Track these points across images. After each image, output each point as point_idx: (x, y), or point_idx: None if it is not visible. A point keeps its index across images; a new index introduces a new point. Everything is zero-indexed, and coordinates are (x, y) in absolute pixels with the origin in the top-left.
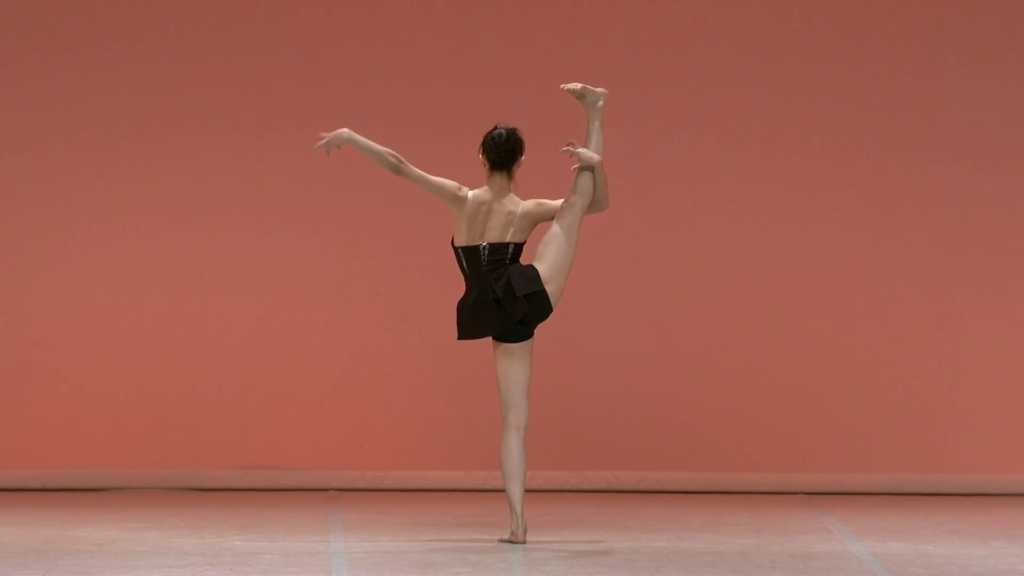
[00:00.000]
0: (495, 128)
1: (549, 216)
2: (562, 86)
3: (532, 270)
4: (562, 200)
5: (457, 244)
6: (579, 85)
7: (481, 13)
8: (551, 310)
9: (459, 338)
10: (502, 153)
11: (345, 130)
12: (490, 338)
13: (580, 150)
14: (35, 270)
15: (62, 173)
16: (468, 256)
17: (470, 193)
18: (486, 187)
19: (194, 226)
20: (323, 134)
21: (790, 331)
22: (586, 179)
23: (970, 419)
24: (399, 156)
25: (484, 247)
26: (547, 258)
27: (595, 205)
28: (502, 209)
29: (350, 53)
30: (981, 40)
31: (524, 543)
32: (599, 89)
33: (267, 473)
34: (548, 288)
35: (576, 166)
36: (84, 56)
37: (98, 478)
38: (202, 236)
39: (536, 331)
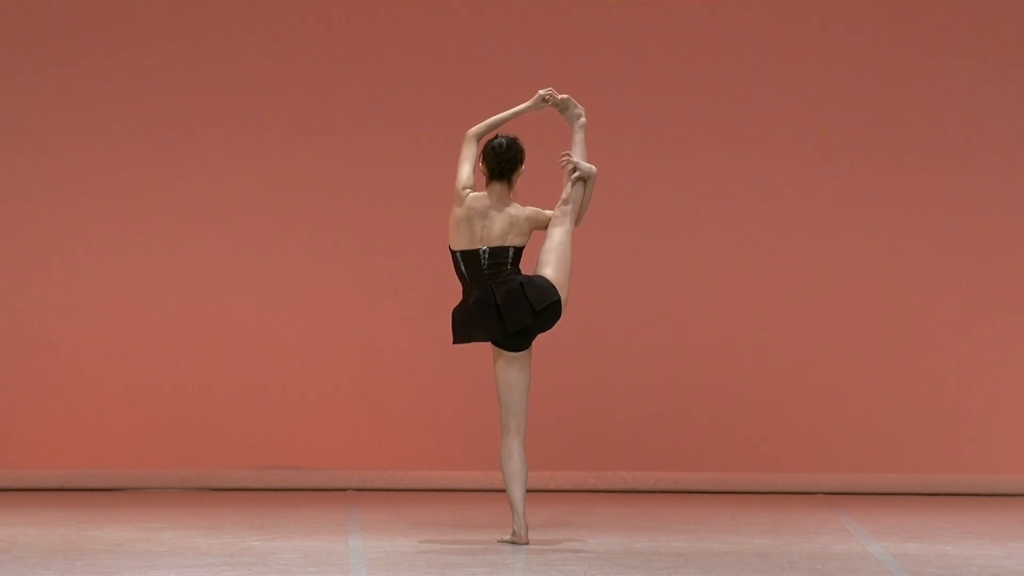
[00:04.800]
0: (496, 137)
1: (544, 224)
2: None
3: (542, 279)
4: (554, 210)
5: (455, 248)
6: (566, 96)
7: (481, 17)
8: (559, 317)
9: (455, 342)
10: (503, 162)
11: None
12: (490, 344)
13: (578, 160)
14: (51, 272)
15: (75, 175)
16: (467, 260)
17: (470, 195)
18: (484, 193)
19: (211, 227)
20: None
21: (808, 331)
22: (579, 189)
23: (989, 419)
24: (479, 136)
25: (484, 251)
26: (552, 264)
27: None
28: (502, 213)
29: (356, 56)
30: (998, 37)
31: (527, 544)
32: (580, 108)
33: (285, 473)
34: (561, 295)
35: (575, 175)
36: (98, 59)
37: (116, 478)
38: (220, 237)
39: (552, 333)
